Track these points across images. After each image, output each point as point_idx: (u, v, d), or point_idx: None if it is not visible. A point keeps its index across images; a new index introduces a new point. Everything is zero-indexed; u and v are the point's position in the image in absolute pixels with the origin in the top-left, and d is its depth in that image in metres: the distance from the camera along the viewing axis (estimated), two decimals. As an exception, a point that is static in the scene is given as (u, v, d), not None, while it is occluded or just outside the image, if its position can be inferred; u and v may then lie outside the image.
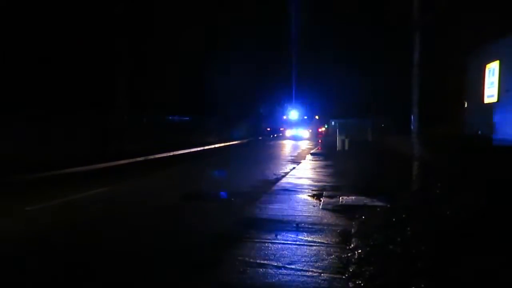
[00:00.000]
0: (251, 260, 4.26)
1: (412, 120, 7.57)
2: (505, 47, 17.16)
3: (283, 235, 5.16)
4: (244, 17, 31.93)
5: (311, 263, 4.17)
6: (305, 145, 26.53)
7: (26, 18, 14.20)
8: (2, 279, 3.91)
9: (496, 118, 17.84)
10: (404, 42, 8.67)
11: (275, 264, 4.14)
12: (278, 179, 10.53)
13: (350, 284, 3.62)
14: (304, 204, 7.25)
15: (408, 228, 5.13)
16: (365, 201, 7.13)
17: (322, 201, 7.44)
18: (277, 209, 6.75)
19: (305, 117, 39.31)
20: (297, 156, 18.17)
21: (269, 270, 3.99)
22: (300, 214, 6.42)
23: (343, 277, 3.80)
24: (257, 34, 34.17)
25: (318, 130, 39.88)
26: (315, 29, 35.72)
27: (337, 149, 20.18)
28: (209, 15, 26.31)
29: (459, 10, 16.99)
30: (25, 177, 10.10)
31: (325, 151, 20.53)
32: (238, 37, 30.76)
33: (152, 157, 16.29)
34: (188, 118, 25.32)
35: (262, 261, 4.22)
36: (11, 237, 5.28)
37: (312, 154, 19.05)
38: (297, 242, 4.89)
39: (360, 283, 3.60)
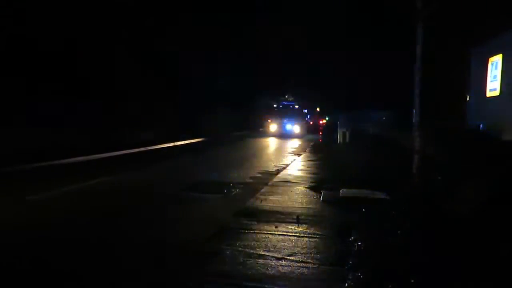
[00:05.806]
0: (252, 251, 4.27)
1: (414, 113, 7.54)
2: (508, 40, 17.02)
3: (283, 227, 5.17)
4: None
5: (311, 255, 4.18)
6: (304, 139, 26.39)
7: None
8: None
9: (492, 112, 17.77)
10: (407, 34, 8.60)
11: (275, 255, 4.15)
12: (279, 170, 10.55)
13: (350, 276, 3.63)
14: (305, 195, 7.26)
15: (409, 221, 5.14)
16: (365, 193, 7.13)
17: (322, 193, 7.44)
18: (277, 200, 6.76)
19: (297, 107, 31.38)
20: (298, 148, 18.18)
21: (269, 261, 4.00)
22: (301, 205, 6.43)
23: (343, 268, 3.81)
24: (256, 19, 32.75)
25: (319, 123, 39.53)
26: (317, 19, 35.22)
27: (338, 141, 20.16)
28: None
29: (462, 2, 16.85)
30: (22, 167, 10.10)
31: (326, 144, 20.51)
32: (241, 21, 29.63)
33: (151, 147, 16.32)
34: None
35: (262, 252, 4.23)
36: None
37: (312, 146, 19.06)
38: (297, 234, 4.90)
39: (360, 275, 3.62)
